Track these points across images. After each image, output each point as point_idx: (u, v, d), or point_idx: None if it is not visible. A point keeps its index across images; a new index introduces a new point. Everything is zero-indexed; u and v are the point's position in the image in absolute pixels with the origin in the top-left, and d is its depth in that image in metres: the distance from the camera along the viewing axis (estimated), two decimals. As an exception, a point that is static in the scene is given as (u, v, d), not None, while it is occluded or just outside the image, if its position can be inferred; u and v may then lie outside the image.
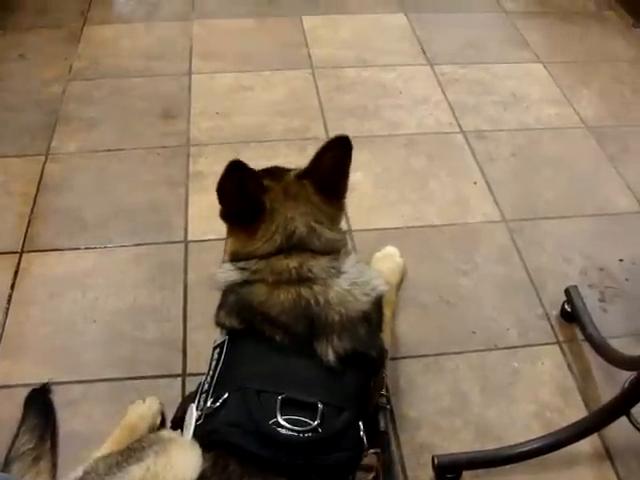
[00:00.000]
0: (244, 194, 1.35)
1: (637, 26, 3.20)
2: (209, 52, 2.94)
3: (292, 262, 1.33)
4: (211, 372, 1.32)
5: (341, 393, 1.24)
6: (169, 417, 1.54)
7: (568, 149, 2.51)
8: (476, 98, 2.73)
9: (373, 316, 1.36)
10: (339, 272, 1.35)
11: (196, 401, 1.29)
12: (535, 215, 2.23)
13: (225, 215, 1.43)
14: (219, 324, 1.38)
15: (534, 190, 2.32)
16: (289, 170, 1.47)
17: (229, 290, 1.37)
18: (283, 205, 1.38)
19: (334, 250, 1.39)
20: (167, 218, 2.16)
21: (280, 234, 1.35)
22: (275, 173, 1.46)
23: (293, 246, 1.35)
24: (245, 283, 1.35)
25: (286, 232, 1.35)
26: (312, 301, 1.29)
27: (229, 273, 1.38)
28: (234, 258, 1.41)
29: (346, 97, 2.71)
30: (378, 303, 1.39)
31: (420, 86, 2.79)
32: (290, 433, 1.15)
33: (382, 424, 1.40)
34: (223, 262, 1.45)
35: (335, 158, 1.42)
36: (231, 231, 1.46)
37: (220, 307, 1.38)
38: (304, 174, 1.43)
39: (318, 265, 1.33)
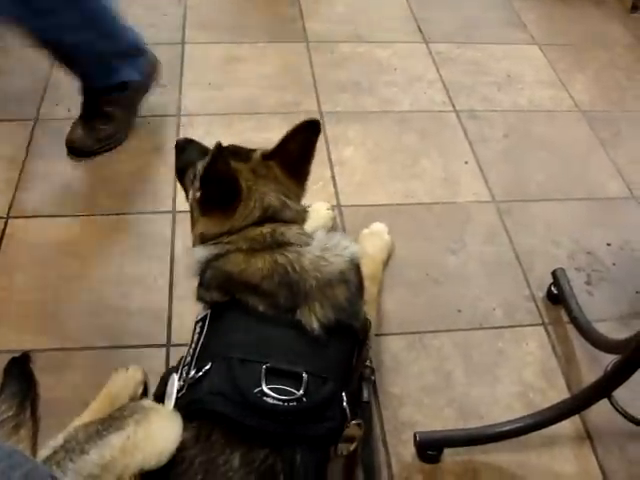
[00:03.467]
0: (227, 176, 1.35)
1: (635, 11, 3.18)
2: (203, 22, 2.90)
3: (265, 229, 1.35)
4: (193, 345, 1.32)
5: (325, 363, 1.25)
6: (152, 387, 1.53)
7: (560, 132, 2.51)
8: (471, 78, 2.71)
9: (351, 278, 1.35)
10: (309, 238, 1.37)
11: (178, 372, 1.28)
12: (525, 197, 2.22)
13: (205, 201, 1.41)
14: (200, 299, 1.39)
15: (525, 172, 2.31)
16: (251, 150, 1.48)
17: (205, 267, 1.37)
18: (256, 183, 1.40)
19: (301, 220, 1.42)
20: (155, 188, 2.15)
21: (258, 209, 1.38)
22: (238, 153, 1.46)
23: (266, 218, 1.37)
24: (219, 256, 1.35)
25: (263, 206, 1.38)
26: (289, 268, 1.30)
27: (201, 252, 1.39)
28: (203, 240, 1.42)
29: (340, 72, 2.68)
30: (355, 265, 1.38)
31: (415, 64, 2.77)
32: (275, 402, 1.15)
33: (365, 395, 1.40)
34: (193, 247, 1.46)
35: (303, 142, 1.44)
36: (204, 215, 1.43)
37: (199, 285, 1.39)
38: (270, 155, 1.44)
39: (290, 231, 1.36)
